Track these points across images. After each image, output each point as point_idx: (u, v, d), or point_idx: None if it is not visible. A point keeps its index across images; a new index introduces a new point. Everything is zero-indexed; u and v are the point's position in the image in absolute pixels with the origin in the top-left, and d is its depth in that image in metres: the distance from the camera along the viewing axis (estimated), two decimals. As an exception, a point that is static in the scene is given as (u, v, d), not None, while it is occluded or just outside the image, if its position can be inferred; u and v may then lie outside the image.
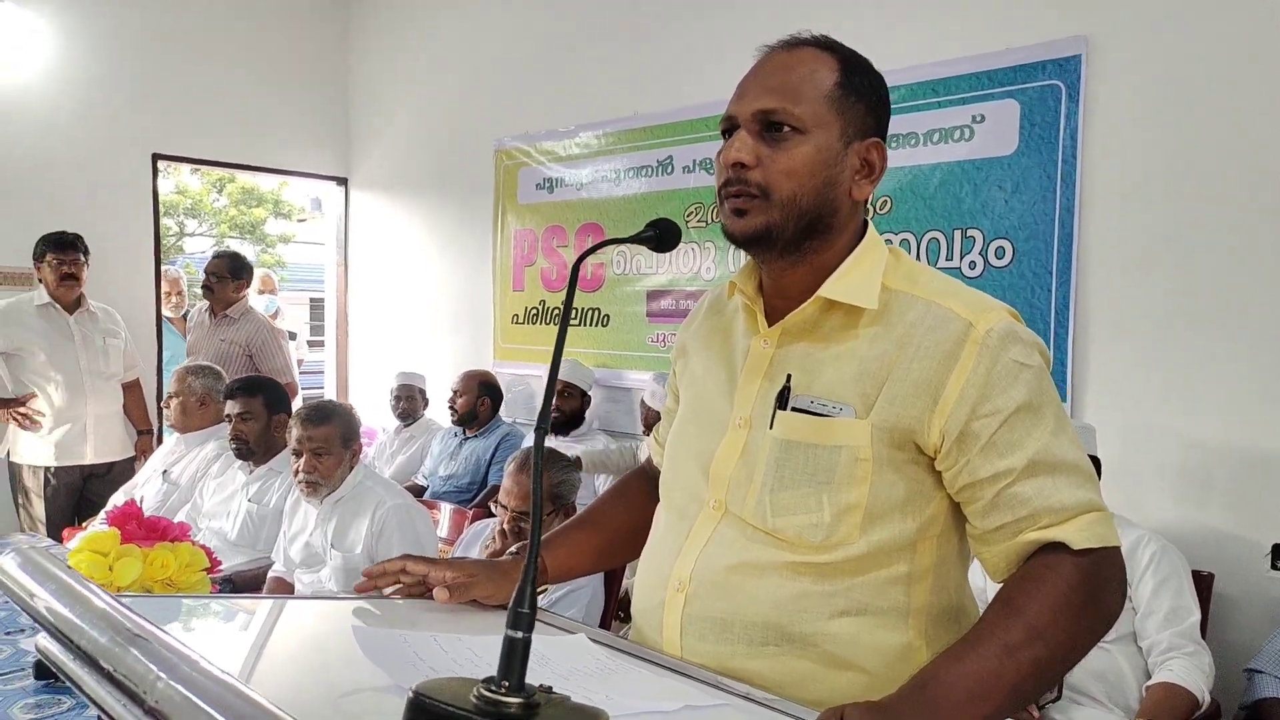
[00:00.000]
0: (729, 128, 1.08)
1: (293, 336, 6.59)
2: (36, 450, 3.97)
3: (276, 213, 16.42)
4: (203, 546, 1.79)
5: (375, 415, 5.15)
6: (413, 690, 0.69)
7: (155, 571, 1.64)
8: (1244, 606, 2.51)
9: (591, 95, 4.25)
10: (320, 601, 1.54)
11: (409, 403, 4.70)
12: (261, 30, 5.28)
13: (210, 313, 4.57)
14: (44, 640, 0.83)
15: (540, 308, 4.56)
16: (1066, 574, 0.97)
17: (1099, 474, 2.36)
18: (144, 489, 3.45)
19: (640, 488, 1.38)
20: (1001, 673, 0.92)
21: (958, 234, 3.07)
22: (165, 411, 3.75)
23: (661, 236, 1.10)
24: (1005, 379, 1.01)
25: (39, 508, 3.98)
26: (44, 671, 1.53)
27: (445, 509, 3.57)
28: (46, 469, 3.97)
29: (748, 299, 1.14)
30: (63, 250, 3.94)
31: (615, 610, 2.50)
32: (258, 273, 7.15)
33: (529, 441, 3.98)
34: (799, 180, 1.04)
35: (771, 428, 1.07)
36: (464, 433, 4.28)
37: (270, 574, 2.79)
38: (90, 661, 0.74)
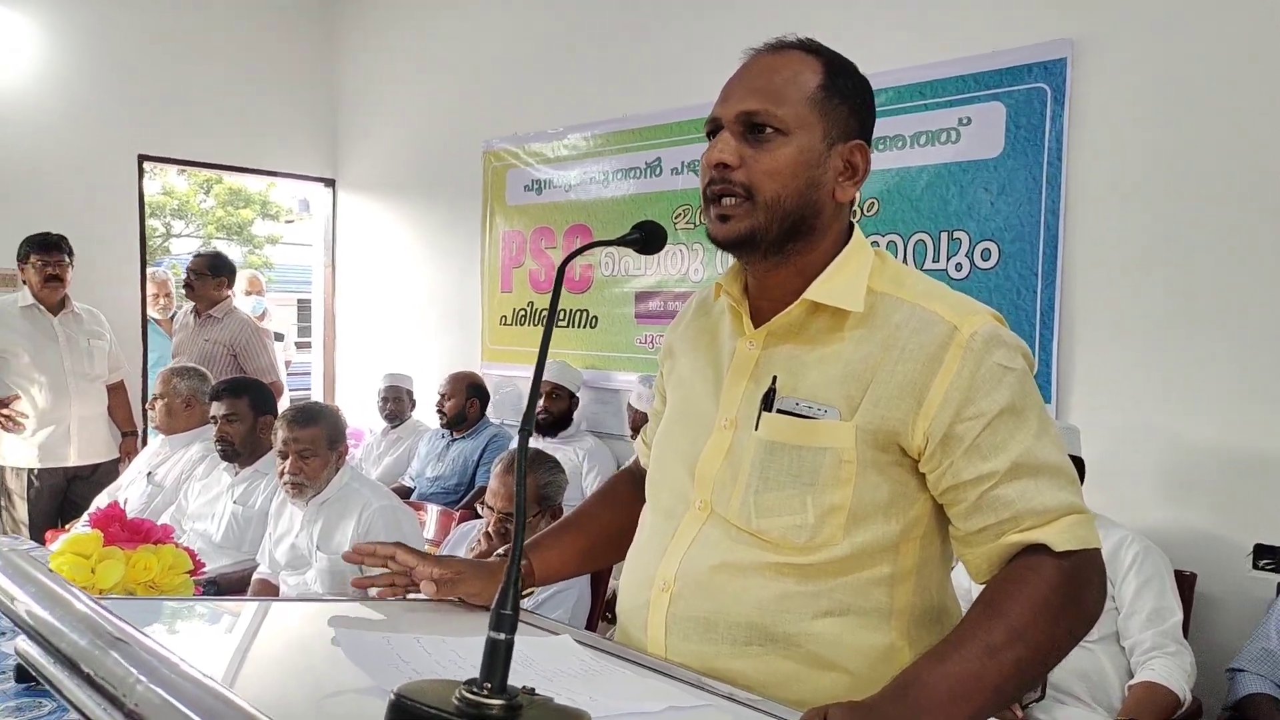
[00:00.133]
0: (714, 129, 1.09)
1: (280, 338, 6.55)
2: (20, 452, 3.94)
3: (264, 214, 16.36)
4: (186, 549, 1.78)
5: (362, 416, 5.13)
6: (394, 692, 0.69)
7: (138, 574, 1.63)
8: (1226, 606, 2.53)
9: (580, 97, 4.25)
10: (304, 604, 1.54)
11: (396, 404, 4.69)
12: (248, 31, 5.26)
13: (195, 313, 4.55)
14: (23, 643, 0.83)
15: (528, 309, 4.55)
16: (1048, 576, 0.98)
17: (1083, 475, 2.37)
18: (128, 491, 3.43)
19: (627, 489, 1.38)
20: (983, 673, 0.93)
21: (944, 236, 3.09)
22: (150, 413, 3.73)
23: (647, 239, 1.11)
24: (989, 382, 1.01)
25: (21, 510, 3.95)
26: (25, 675, 1.51)
27: (432, 510, 3.57)
28: (30, 471, 3.94)
29: (734, 301, 1.14)
30: (47, 251, 3.91)
31: (602, 611, 2.49)
32: (245, 274, 7.13)
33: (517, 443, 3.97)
34: (782, 181, 1.05)
35: (757, 429, 1.08)
36: (451, 434, 4.27)
37: (255, 576, 2.77)
38: (70, 665, 0.73)
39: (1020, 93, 2.91)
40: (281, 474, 2.60)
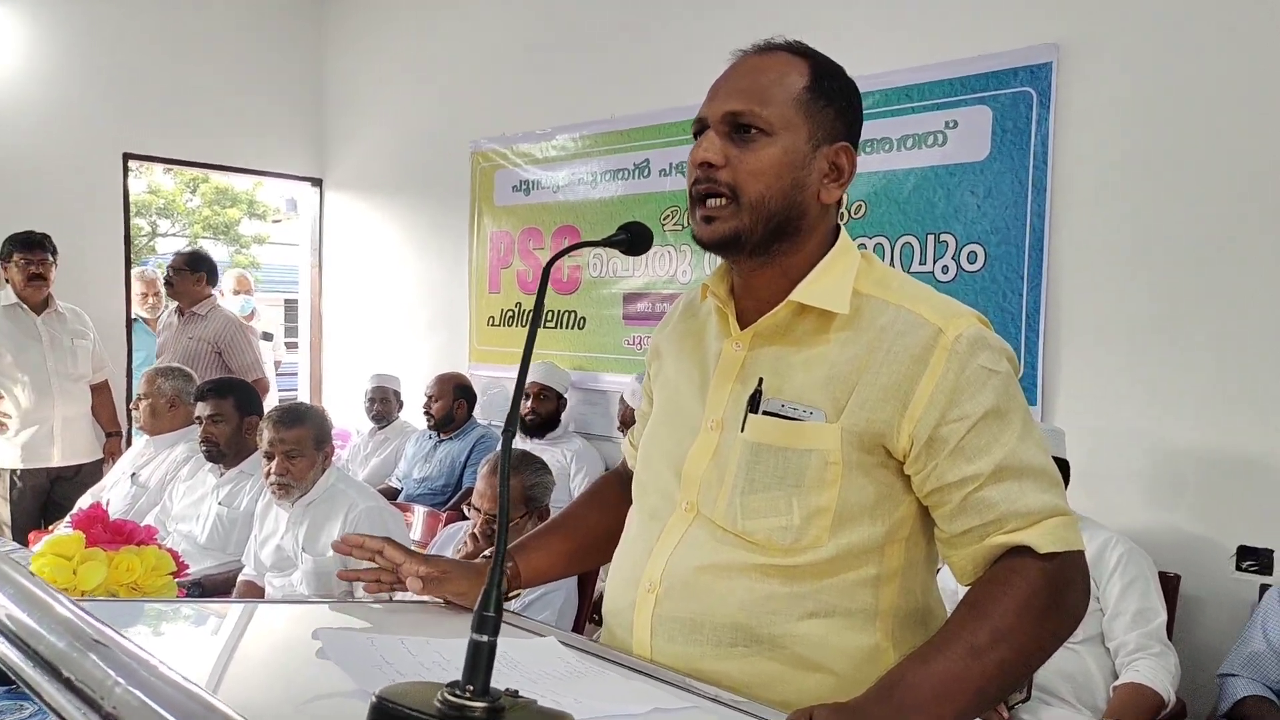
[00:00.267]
0: (700, 129, 1.09)
1: (269, 338, 6.52)
2: (2, 452, 3.91)
3: (251, 213, 16.27)
4: (169, 550, 1.77)
5: (349, 417, 5.11)
6: (375, 695, 0.68)
7: (120, 575, 1.61)
8: (1209, 607, 2.55)
9: (569, 98, 4.25)
10: (289, 606, 1.53)
11: (383, 405, 4.67)
12: (235, 29, 5.23)
13: (178, 313, 4.52)
14: (2, 646, 0.82)
15: (516, 310, 4.55)
16: (1032, 578, 0.98)
17: (1068, 477, 2.39)
18: (112, 491, 3.40)
19: (614, 490, 1.38)
20: (967, 675, 0.93)
21: (931, 238, 3.10)
22: (134, 413, 3.70)
23: (633, 240, 1.11)
24: (973, 385, 1.02)
25: (4, 511, 3.92)
26: (4, 677, 1.50)
27: (419, 511, 3.56)
28: (12, 471, 3.91)
29: (720, 302, 1.14)
30: (30, 250, 3.89)
31: (589, 613, 2.49)
32: (233, 273, 7.10)
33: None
34: (766, 181, 1.05)
35: (743, 431, 1.08)
36: (438, 435, 4.26)
37: (241, 577, 2.76)
38: (48, 667, 0.73)
39: (1006, 96, 2.92)
40: (267, 475, 2.59)
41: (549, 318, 4.31)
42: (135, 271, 5.76)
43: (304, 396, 5.81)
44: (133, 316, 5.58)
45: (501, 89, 4.55)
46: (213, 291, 4.58)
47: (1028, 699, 2.08)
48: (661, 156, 3.87)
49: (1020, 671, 0.98)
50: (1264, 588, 2.37)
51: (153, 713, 0.59)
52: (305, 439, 2.59)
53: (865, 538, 1.05)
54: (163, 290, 5.99)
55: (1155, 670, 2.14)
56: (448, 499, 4.03)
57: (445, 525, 3.07)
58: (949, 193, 3.05)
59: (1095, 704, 2.19)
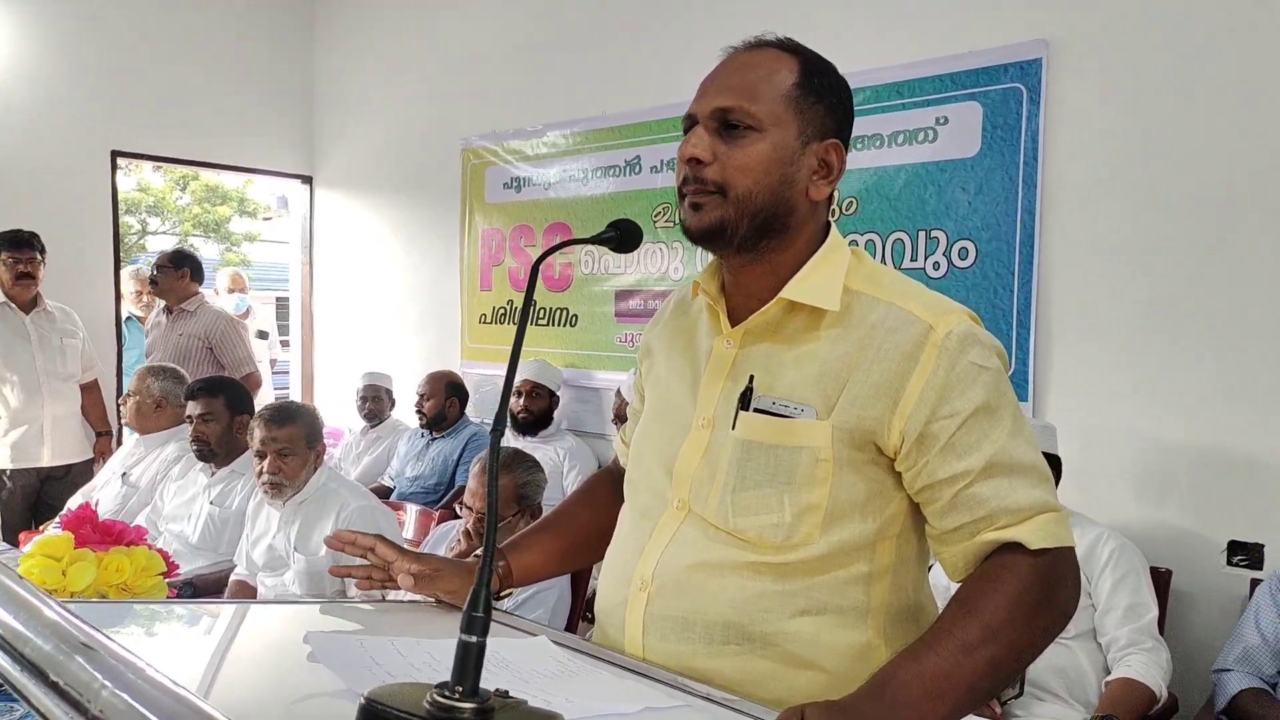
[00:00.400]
0: (690, 125, 1.09)
1: (264, 336, 6.50)
2: (-9, 453, 3.89)
3: (241, 211, 16.21)
4: (160, 550, 1.76)
5: (341, 416, 5.10)
6: (364, 696, 0.68)
7: (110, 576, 1.61)
8: (1200, 603, 2.56)
9: (559, 95, 4.24)
10: (280, 606, 1.53)
11: (375, 403, 4.66)
12: (224, 25, 5.20)
13: (166, 311, 4.51)
14: (-11, 649, 0.81)
15: (508, 308, 4.54)
16: (1023, 574, 0.98)
17: (1059, 473, 2.39)
18: (102, 491, 3.39)
19: (606, 489, 1.38)
20: (959, 672, 0.93)
21: (922, 235, 3.10)
22: (122, 408, 3.69)
23: (622, 237, 1.10)
24: (964, 381, 1.02)
25: (-7, 511, 3.90)
26: (-6, 680, 1.49)
27: (411, 510, 3.55)
28: (2, 472, 3.90)
29: (710, 299, 1.14)
30: (18, 248, 3.87)
31: (582, 611, 2.49)
32: (227, 271, 7.08)
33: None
34: (754, 177, 1.05)
35: (734, 428, 1.08)
36: (431, 433, 4.25)
37: (232, 577, 2.75)
38: (35, 671, 0.72)
39: (996, 93, 2.92)
40: (260, 474, 2.58)
41: (541, 315, 4.30)
42: (129, 270, 5.74)
43: (295, 395, 5.79)
44: (127, 315, 5.57)
45: (491, 86, 4.54)
46: (199, 289, 4.56)
47: (1020, 695, 2.09)
48: (653, 153, 3.87)
49: (1012, 668, 0.98)
50: (1255, 582, 2.38)
51: (139, 716, 0.59)
52: (297, 437, 2.58)
53: (856, 535, 1.05)
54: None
55: (1147, 665, 2.14)
56: (440, 497, 4.03)
57: (438, 524, 3.06)
58: (940, 189, 3.05)
59: (1087, 699, 2.20)
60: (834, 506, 1.04)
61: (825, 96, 1.08)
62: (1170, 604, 2.48)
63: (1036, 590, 0.98)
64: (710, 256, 1.15)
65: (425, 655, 0.97)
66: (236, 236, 16.57)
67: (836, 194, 1.14)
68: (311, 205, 5.63)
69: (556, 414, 4.02)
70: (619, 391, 3.77)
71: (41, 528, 3.36)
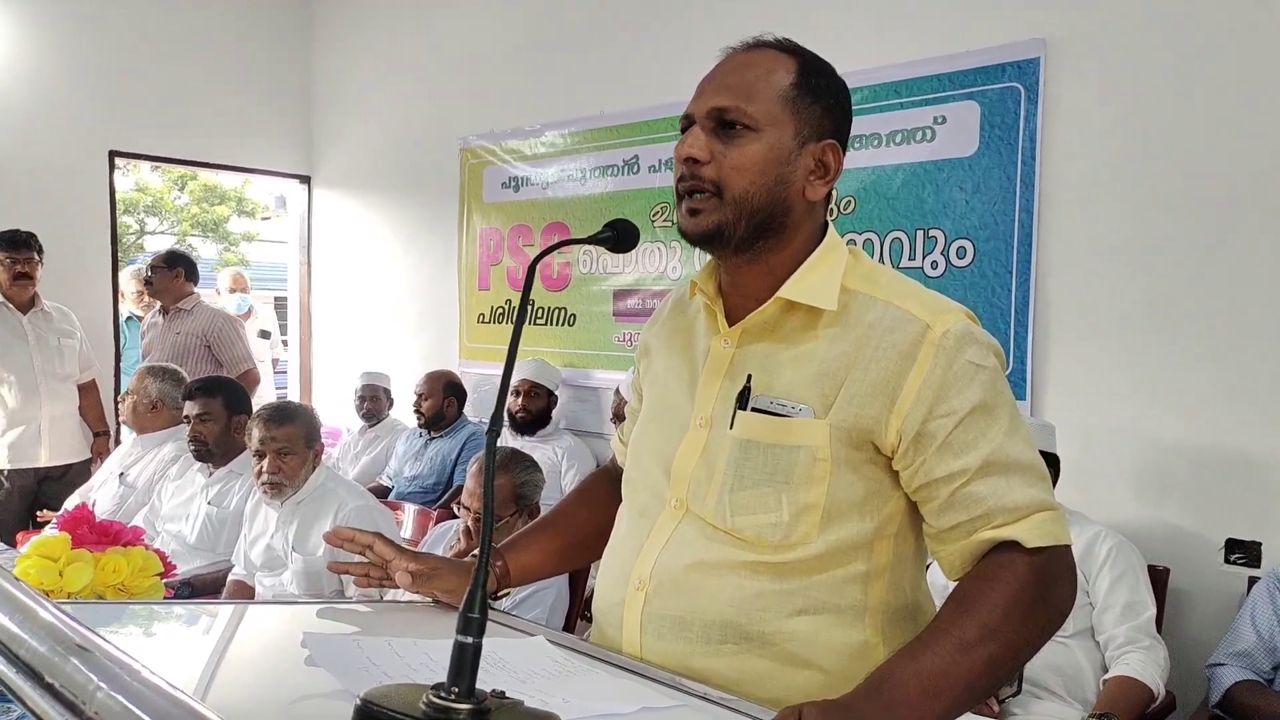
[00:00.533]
0: (687, 125, 1.09)
1: (266, 335, 6.49)
2: (-11, 453, 3.88)
3: (240, 211, 16.18)
4: (157, 551, 1.76)
5: (339, 415, 5.10)
6: (360, 697, 0.68)
7: (107, 577, 1.60)
8: (1198, 601, 2.56)
9: (557, 94, 4.23)
10: (277, 606, 1.52)
11: (373, 403, 4.66)
12: (222, 25, 5.19)
13: (162, 312, 4.51)
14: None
15: (506, 307, 4.54)
16: (1019, 572, 0.98)
17: (1058, 472, 2.39)
18: (100, 491, 3.38)
19: (604, 488, 1.38)
20: (955, 671, 0.93)
21: (920, 234, 3.10)
22: (120, 406, 3.69)
23: (619, 237, 1.10)
24: (961, 380, 1.02)
25: (-9, 511, 3.90)
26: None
27: (409, 510, 3.55)
28: (0, 472, 3.89)
29: (708, 299, 1.14)
30: (15, 249, 3.86)
31: (580, 611, 2.49)
32: (229, 271, 7.07)
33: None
34: (750, 177, 1.05)
35: (732, 428, 1.08)
36: (429, 433, 4.25)
37: (231, 577, 2.75)
38: (30, 672, 0.72)
39: (994, 92, 2.92)
40: (259, 474, 2.58)
41: (539, 314, 4.30)
42: (129, 270, 5.74)
43: (294, 395, 5.79)
44: (128, 315, 5.57)
45: (490, 85, 4.54)
46: (194, 289, 4.57)
47: (1018, 693, 2.09)
48: (651, 153, 3.87)
49: (1008, 666, 0.98)
50: (1252, 580, 2.38)
51: (134, 717, 0.59)
52: (296, 437, 2.58)
53: (854, 534, 1.05)
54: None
55: (1144, 663, 2.15)
56: (438, 497, 4.02)
57: (436, 523, 3.06)
58: (938, 188, 3.05)
59: (1085, 697, 2.20)
60: (832, 506, 1.04)
61: (823, 97, 1.08)
62: (1168, 602, 2.48)
63: (1033, 589, 0.98)
64: (708, 256, 1.15)
65: (423, 656, 0.97)
66: (235, 236, 16.54)
67: (834, 193, 1.14)
68: (310, 205, 5.63)
69: (555, 413, 4.02)
70: (618, 390, 3.76)
71: (40, 517, 3.36)
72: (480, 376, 4.56)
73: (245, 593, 2.67)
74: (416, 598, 1.26)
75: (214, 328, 4.41)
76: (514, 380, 3.88)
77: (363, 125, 5.27)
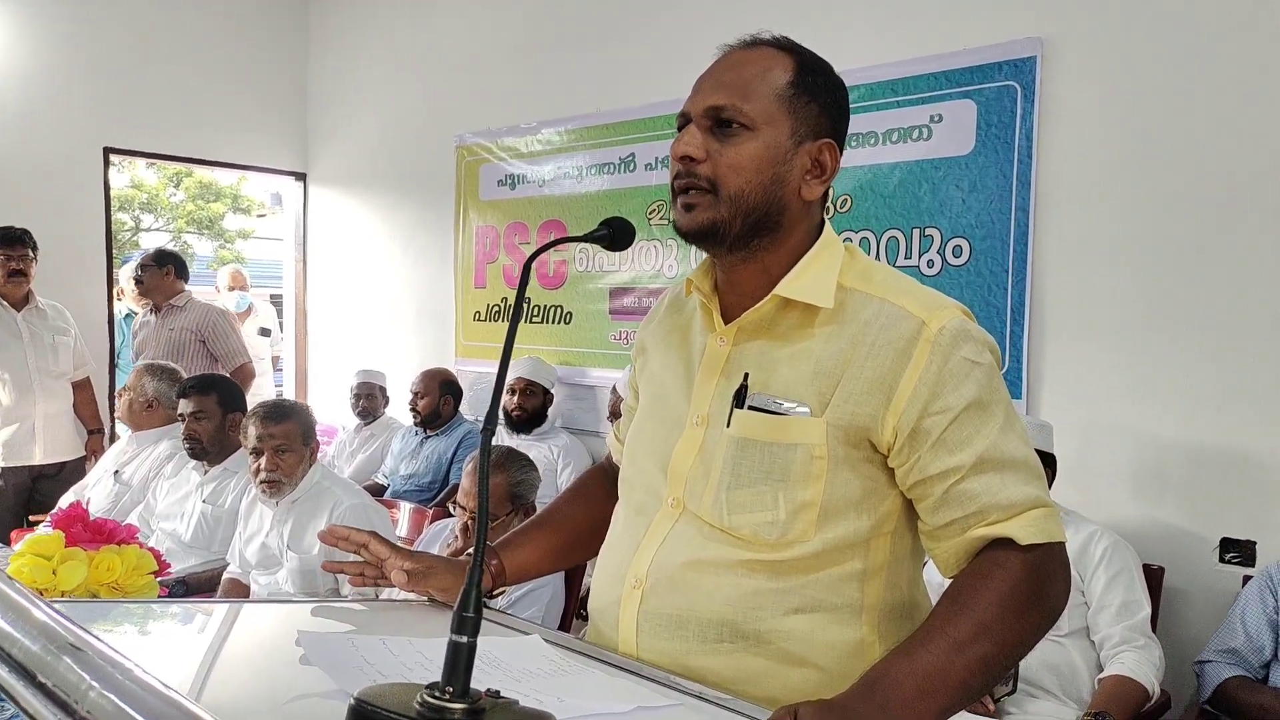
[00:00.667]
0: (684, 123, 1.09)
1: (266, 333, 6.48)
2: (-17, 450, 3.87)
3: (235, 208, 16.15)
4: (151, 549, 1.75)
5: (335, 413, 5.09)
6: (354, 697, 0.68)
7: (101, 575, 1.60)
8: (1192, 600, 2.57)
9: (554, 92, 4.23)
10: (273, 605, 1.52)
11: (369, 401, 4.65)
12: (218, 21, 5.18)
13: (154, 310, 4.50)
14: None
15: (502, 305, 4.53)
16: (1013, 570, 0.98)
17: (1055, 471, 2.40)
18: (95, 489, 3.38)
19: (600, 485, 1.38)
20: (950, 669, 0.93)
21: (916, 232, 3.10)
22: (116, 402, 3.68)
23: (615, 235, 1.10)
24: (956, 377, 1.02)
25: (-15, 509, 3.89)
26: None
27: (404, 508, 3.54)
28: (-6, 469, 3.88)
29: (704, 296, 1.14)
30: (10, 245, 3.85)
31: (576, 609, 2.49)
32: (227, 269, 7.06)
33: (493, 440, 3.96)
34: (745, 176, 1.05)
35: (728, 426, 1.08)
36: (425, 431, 4.24)
37: (226, 575, 2.74)
38: (22, 672, 0.72)
39: (991, 90, 2.92)
40: (256, 472, 2.57)
41: (535, 312, 4.30)
42: (128, 267, 5.73)
43: (289, 392, 5.78)
44: (125, 312, 5.55)
45: (485, 83, 4.53)
46: (185, 286, 4.56)
47: (1013, 692, 2.09)
48: (647, 150, 3.86)
49: (1003, 664, 0.98)
50: (1247, 579, 2.39)
51: (127, 717, 0.59)
52: (293, 434, 2.58)
53: (851, 532, 1.05)
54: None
55: (1140, 663, 2.15)
56: (434, 495, 4.02)
57: (432, 522, 3.06)
58: (934, 187, 3.06)
59: (1080, 696, 2.20)
60: (829, 504, 1.04)
61: (820, 96, 1.08)
62: (1163, 601, 2.48)
63: (1027, 586, 0.98)
64: (704, 254, 1.14)
65: (418, 655, 0.97)
66: (230, 234, 16.51)
67: (831, 192, 1.13)
68: (305, 202, 5.62)
69: (550, 411, 4.01)
70: (614, 388, 3.76)
71: (34, 526, 3.35)
72: (476, 374, 4.55)
73: (240, 591, 2.66)
74: (412, 596, 1.25)
75: (208, 322, 4.41)
76: (509, 378, 3.88)
77: (358, 122, 5.26)
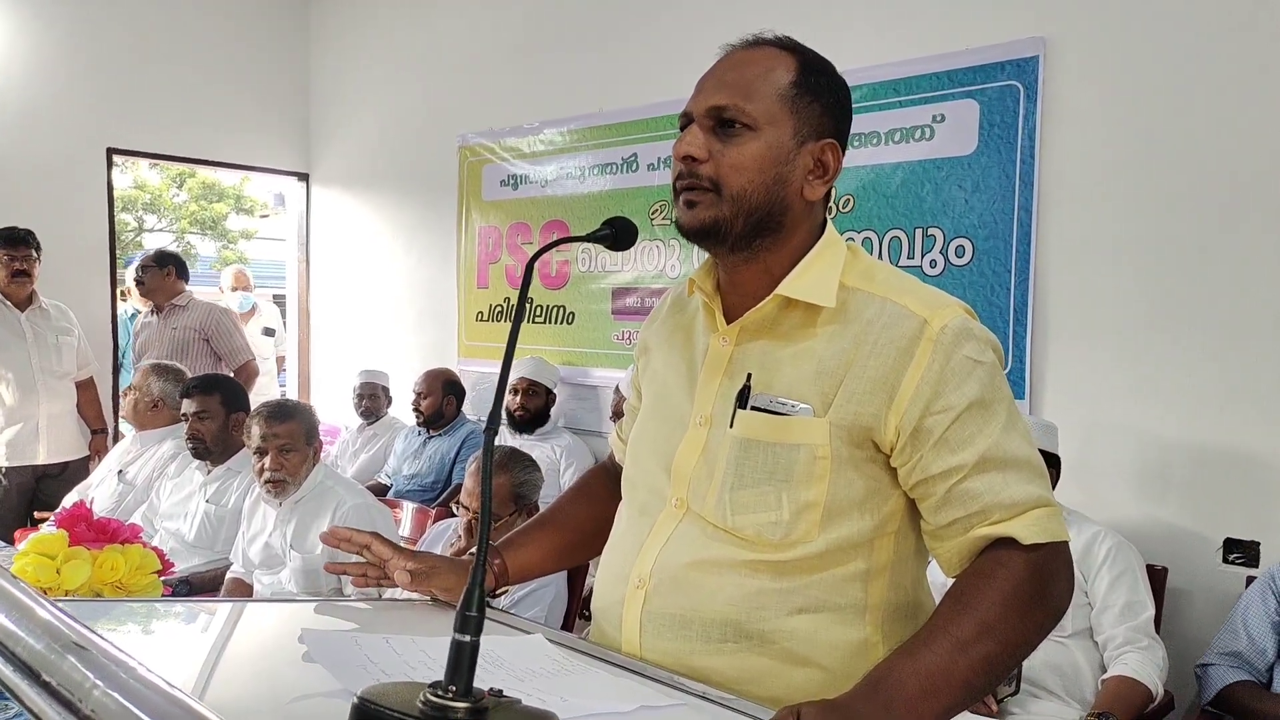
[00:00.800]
0: (686, 123, 1.09)
1: (270, 333, 6.48)
2: (-13, 450, 3.88)
3: (238, 208, 16.16)
4: (154, 548, 1.75)
5: (338, 413, 5.09)
6: (357, 695, 0.68)
7: (104, 574, 1.60)
8: (1196, 600, 2.56)
9: (556, 92, 4.23)
10: (276, 605, 1.52)
11: (372, 401, 4.65)
12: (220, 21, 5.18)
13: (155, 311, 4.50)
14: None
15: (505, 305, 4.54)
16: (1016, 569, 0.98)
17: (1059, 472, 2.39)
18: (98, 489, 3.38)
19: (602, 485, 1.38)
20: (953, 669, 0.93)
21: (919, 232, 3.10)
22: (122, 401, 3.69)
23: (618, 235, 1.10)
24: (958, 375, 1.01)
25: (-11, 509, 3.89)
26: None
27: (407, 508, 3.54)
28: (-2, 469, 3.89)
29: (706, 296, 1.14)
30: (13, 246, 3.86)
31: (579, 609, 2.49)
32: (231, 269, 7.07)
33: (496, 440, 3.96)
34: (748, 176, 1.05)
35: (731, 426, 1.07)
36: (428, 431, 4.25)
37: (229, 575, 2.75)
38: (27, 670, 0.72)
39: (993, 90, 2.92)
40: (260, 471, 2.57)
41: (538, 312, 4.30)
42: (132, 268, 5.74)
43: (292, 393, 5.78)
44: (132, 312, 5.56)
45: (488, 83, 4.53)
46: (186, 286, 4.57)
47: (1016, 692, 2.09)
48: (650, 151, 3.86)
49: (1006, 664, 0.98)
50: (1250, 580, 2.38)
51: (131, 716, 0.59)
52: (297, 433, 2.58)
53: (855, 532, 1.05)
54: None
55: (1143, 663, 2.15)
56: (437, 495, 4.02)
57: (434, 522, 3.06)
58: (936, 187, 3.05)
59: (1084, 697, 2.20)
60: (832, 504, 1.04)
61: (822, 96, 1.07)
62: (1166, 601, 2.48)
63: (1030, 586, 0.98)
64: (706, 254, 1.14)
65: (421, 654, 0.97)
66: (233, 234, 16.53)
67: (834, 192, 1.13)
68: (308, 202, 5.62)
69: (553, 411, 4.02)
70: (617, 388, 3.76)
71: (37, 526, 3.35)
72: (479, 375, 4.56)
73: (244, 590, 2.67)
74: (415, 596, 1.26)
75: (211, 320, 4.43)
76: (512, 378, 3.88)
77: (361, 122, 5.27)
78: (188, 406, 3.03)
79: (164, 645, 1.10)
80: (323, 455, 2.73)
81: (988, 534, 1.01)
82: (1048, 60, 2.81)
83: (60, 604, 0.80)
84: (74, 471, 3.98)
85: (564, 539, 1.35)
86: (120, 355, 5.01)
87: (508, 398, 3.90)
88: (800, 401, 1.04)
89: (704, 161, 1.05)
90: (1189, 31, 2.58)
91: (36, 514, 3.58)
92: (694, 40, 3.56)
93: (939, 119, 3.04)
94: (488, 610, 0.75)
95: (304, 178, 5.60)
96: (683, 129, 1.09)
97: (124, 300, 6.03)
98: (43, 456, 3.96)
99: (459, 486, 3.17)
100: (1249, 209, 2.50)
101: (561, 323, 4.23)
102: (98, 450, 4.12)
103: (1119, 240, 2.71)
